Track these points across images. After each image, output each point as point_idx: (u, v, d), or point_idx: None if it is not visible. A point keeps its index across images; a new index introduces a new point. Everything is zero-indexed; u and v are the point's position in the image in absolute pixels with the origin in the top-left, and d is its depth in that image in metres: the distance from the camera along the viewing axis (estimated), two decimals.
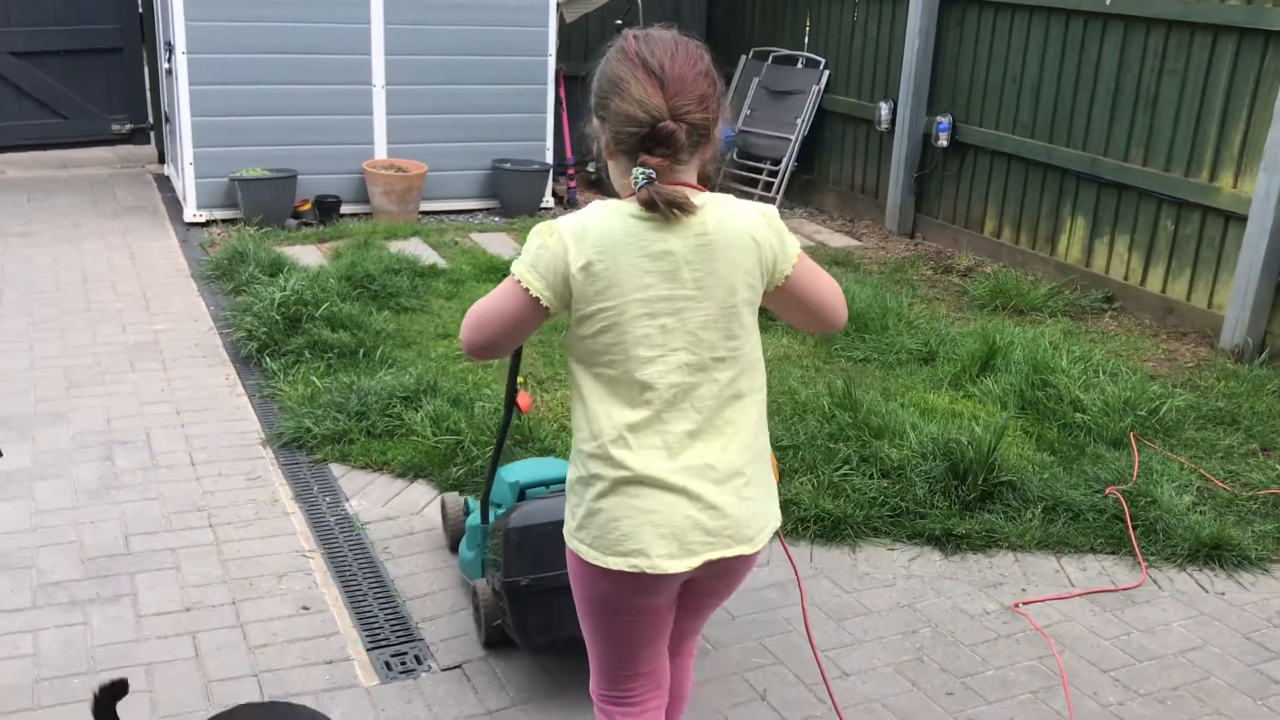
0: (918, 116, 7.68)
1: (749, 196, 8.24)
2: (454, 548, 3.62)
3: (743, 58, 9.38)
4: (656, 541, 1.96)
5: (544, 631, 2.92)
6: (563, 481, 3.03)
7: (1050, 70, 6.79)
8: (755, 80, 9.06)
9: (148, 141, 9.12)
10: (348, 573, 3.57)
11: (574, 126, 8.72)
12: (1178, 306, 6.16)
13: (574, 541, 2.04)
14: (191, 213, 7.40)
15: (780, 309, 2.08)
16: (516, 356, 2.77)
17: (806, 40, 8.85)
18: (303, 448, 4.33)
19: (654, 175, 1.89)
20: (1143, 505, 4.01)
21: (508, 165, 7.96)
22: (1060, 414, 4.69)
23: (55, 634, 3.19)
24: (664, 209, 1.89)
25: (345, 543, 3.74)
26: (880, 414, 4.46)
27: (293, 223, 7.41)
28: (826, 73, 8.60)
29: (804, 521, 3.89)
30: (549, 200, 8.26)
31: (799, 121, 8.62)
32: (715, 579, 2.09)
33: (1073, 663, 3.28)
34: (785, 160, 8.64)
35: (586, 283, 1.92)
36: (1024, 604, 3.55)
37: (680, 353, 1.95)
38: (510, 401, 2.97)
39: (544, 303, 1.95)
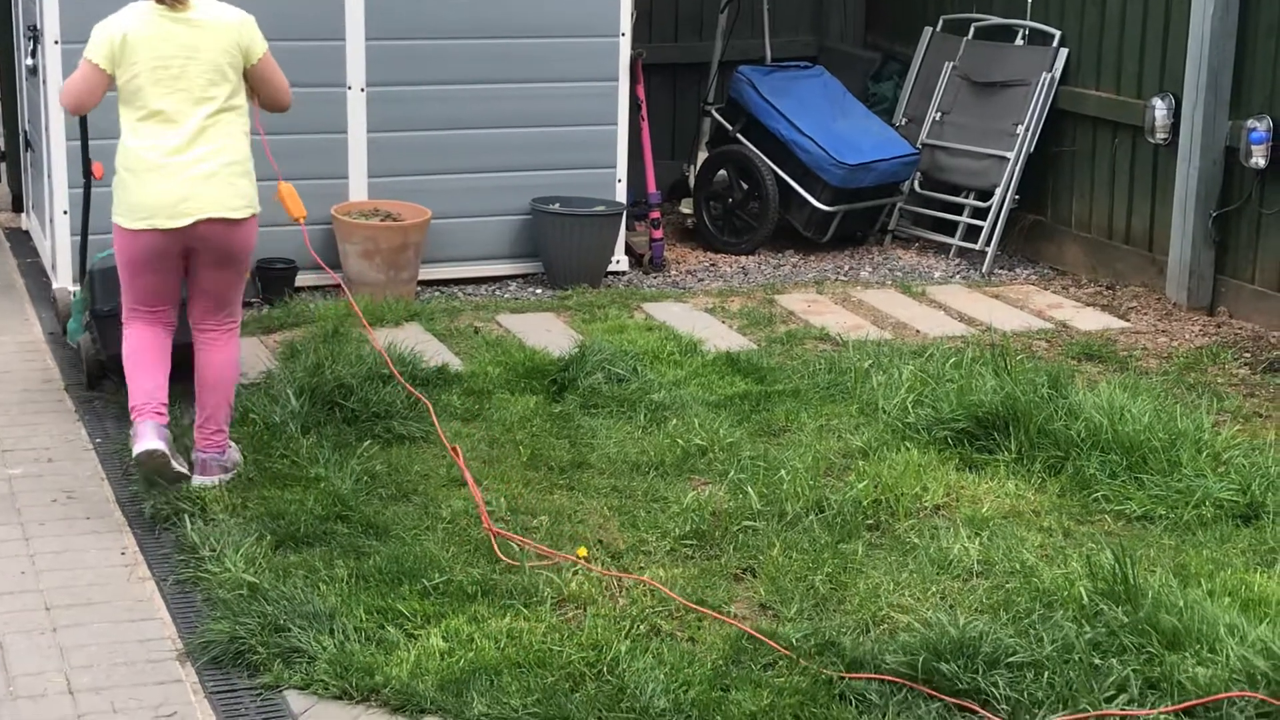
0: (1217, 120, 6.40)
1: (945, 249, 7.38)
2: (65, 330, 5.10)
3: (928, 30, 7.76)
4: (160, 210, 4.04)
5: (119, 344, 4.33)
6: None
7: None
8: (949, 65, 7.51)
9: None
10: None
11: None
12: None
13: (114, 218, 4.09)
14: (64, 287, 5.99)
15: (254, 84, 4.14)
16: (84, 128, 4.58)
17: (1029, 2, 7.30)
18: (242, 664, 3.78)
19: None
20: None
21: (556, 207, 6.51)
22: None
23: None
24: (170, 3, 3.97)
25: None
26: (1175, 608, 3.85)
27: None
28: (1064, 52, 7.13)
29: None
30: (620, 260, 6.74)
31: (1021, 130, 7.10)
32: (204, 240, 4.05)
33: None
34: (1001, 191, 7.14)
35: (124, 53, 3.92)
36: None
37: (181, 93, 3.95)
38: (87, 170, 4.65)
39: (105, 69, 3.92)
